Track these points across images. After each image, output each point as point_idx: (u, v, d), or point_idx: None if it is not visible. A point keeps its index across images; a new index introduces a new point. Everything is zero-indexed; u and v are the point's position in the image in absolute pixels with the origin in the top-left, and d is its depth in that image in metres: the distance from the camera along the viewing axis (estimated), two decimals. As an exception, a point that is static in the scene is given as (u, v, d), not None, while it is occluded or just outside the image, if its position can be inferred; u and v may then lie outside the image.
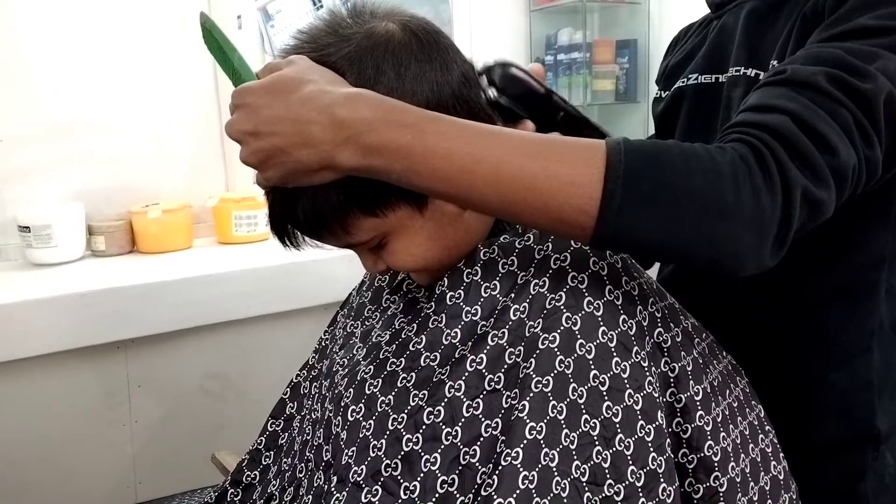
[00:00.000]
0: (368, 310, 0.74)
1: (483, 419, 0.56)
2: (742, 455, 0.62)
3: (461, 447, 0.56)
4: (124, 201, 1.82)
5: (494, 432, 0.55)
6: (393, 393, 0.61)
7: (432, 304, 0.63)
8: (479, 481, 0.54)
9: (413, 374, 0.61)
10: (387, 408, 0.61)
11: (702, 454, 0.59)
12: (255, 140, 0.55)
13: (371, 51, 0.58)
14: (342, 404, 0.64)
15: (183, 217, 1.84)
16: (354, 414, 0.63)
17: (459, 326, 0.60)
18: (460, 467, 0.55)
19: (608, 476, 0.54)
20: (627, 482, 0.54)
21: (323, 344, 0.81)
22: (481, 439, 0.55)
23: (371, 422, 0.61)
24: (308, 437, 0.71)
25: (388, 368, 0.63)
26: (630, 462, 0.54)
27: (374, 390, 0.62)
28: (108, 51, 1.77)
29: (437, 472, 0.56)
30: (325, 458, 0.65)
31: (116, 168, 1.82)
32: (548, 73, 2.55)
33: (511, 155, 0.52)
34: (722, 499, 0.59)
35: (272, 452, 0.80)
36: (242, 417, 1.63)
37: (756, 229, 0.52)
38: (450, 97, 0.60)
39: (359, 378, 0.65)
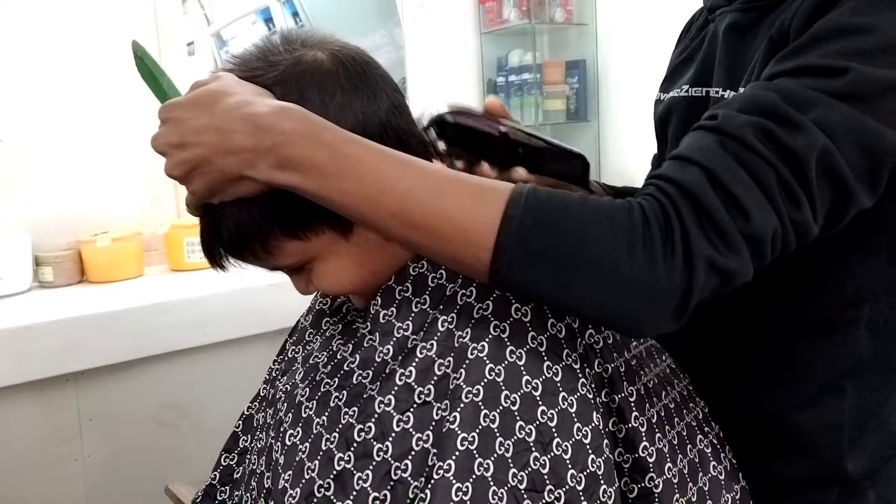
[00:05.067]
0: (309, 333, 0.74)
1: (414, 433, 0.56)
2: (679, 456, 0.63)
3: (392, 462, 0.55)
4: (72, 230, 1.78)
5: (426, 445, 0.55)
6: (326, 413, 0.61)
7: (367, 323, 0.63)
8: (411, 496, 0.54)
9: (344, 392, 0.61)
10: (321, 429, 0.60)
11: (636, 454, 0.60)
12: (179, 151, 0.55)
13: (297, 77, 0.59)
14: (281, 429, 0.64)
15: (133, 245, 1.81)
16: (292, 438, 0.62)
17: (391, 343, 0.60)
18: (392, 483, 0.55)
19: (548, 482, 0.54)
20: (568, 486, 0.54)
21: (273, 374, 0.80)
22: (412, 453, 0.55)
23: (307, 444, 0.60)
24: (254, 467, 0.70)
25: (322, 389, 0.63)
26: (570, 466, 0.55)
27: (310, 412, 0.62)
28: (53, 77, 1.74)
29: (369, 489, 0.55)
30: (266, 486, 0.64)
31: (63, 196, 1.78)
32: (500, 94, 2.59)
33: (416, 190, 0.52)
34: (657, 499, 0.60)
35: (228, 487, 0.79)
36: (198, 448, 1.60)
37: (650, 300, 0.51)
38: (377, 126, 0.60)
39: (296, 401, 0.64)
